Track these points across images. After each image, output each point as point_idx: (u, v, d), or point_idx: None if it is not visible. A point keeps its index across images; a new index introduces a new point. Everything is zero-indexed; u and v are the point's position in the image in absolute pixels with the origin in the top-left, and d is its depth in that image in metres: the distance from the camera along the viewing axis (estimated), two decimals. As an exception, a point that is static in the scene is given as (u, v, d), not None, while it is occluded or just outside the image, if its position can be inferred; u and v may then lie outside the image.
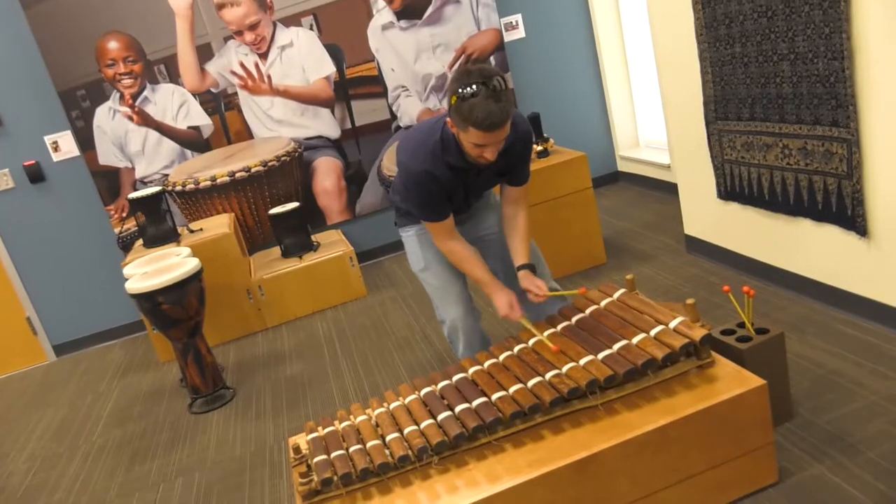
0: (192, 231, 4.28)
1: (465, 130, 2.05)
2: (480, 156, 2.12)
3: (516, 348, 2.30)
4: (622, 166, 5.41)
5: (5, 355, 4.65)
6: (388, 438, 2.02)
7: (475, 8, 4.79)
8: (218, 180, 4.65)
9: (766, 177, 3.00)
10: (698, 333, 2.03)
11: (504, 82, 2.03)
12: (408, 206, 2.45)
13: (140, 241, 4.30)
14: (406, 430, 2.03)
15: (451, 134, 2.18)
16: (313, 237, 4.65)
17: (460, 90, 2.00)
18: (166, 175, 4.60)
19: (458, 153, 2.21)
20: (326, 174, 4.85)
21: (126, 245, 4.60)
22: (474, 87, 1.98)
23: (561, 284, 2.71)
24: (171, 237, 4.14)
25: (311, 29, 4.62)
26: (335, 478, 1.92)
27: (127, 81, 4.43)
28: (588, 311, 2.35)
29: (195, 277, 3.30)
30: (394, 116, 4.88)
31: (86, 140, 4.46)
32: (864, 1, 2.32)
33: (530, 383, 2.06)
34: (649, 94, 5.02)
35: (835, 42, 2.45)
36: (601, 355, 2.08)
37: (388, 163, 4.92)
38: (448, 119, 2.15)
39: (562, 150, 3.93)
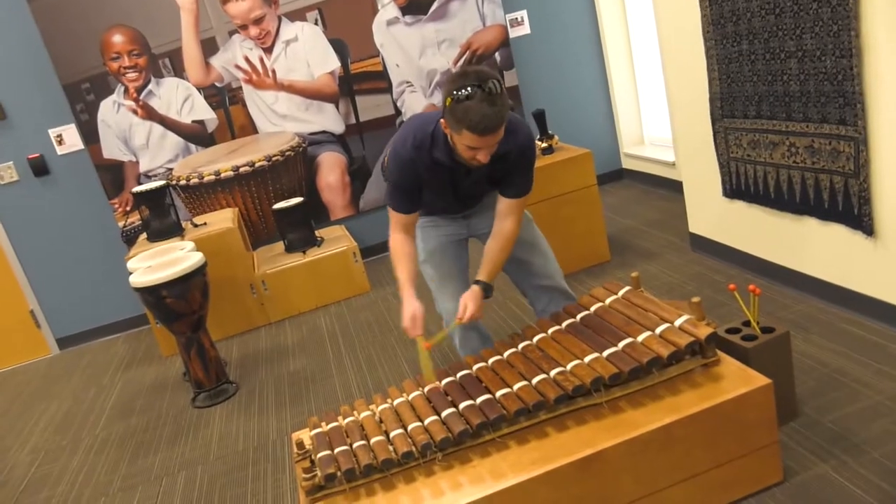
0: (195, 225, 4.28)
1: (459, 133, 2.03)
2: (473, 158, 2.10)
3: (521, 345, 2.29)
4: (627, 164, 5.39)
5: (9, 348, 4.66)
6: (391, 434, 2.01)
7: (480, 4, 4.77)
8: (222, 175, 4.64)
9: (772, 175, 2.99)
10: (704, 332, 2.02)
11: (500, 85, 1.99)
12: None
13: (144, 235, 4.31)
14: (410, 427, 2.02)
15: (443, 131, 2.16)
16: (317, 232, 4.65)
17: (455, 92, 1.98)
18: (170, 169, 4.60)
19: (446, 151, 2.19)
20: (330, 169, 4.85)
21: (130, 239, 4.60)
22: (469, 89, 1.96)
23: (566, 282, 2.69)
24: (175, 231, 4.14)
25: (316, 24, 4.61)
26: (338, 473, 1.92)
27: (131, 75, 4.42)
28: (593, 308, 2.34)
29: (199, 272, 3.30)
30: (398, 112, 4.87)
31: (90, 133, 4.46)
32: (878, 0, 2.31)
33: (535, 380, 2.06)
34: (655, 91, 5.01)
35: (843, 40, 2.44)
36: (606, 353, 2.07)
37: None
38: (442, 119, 2.12)
39: (566, 147, 3.92)
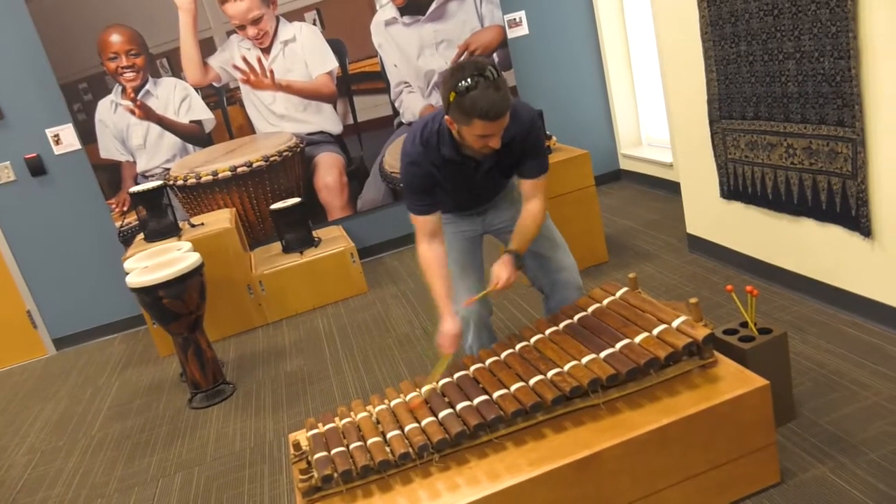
0: (193, 225, 4.27)
1: (470, 123, 2.03)
2: (485, 146, 2.11)
3: (518, 346, 2.29)
4: (624, 164, 5.40)
5: (5, 348, 4.64)
6: (388, 436, 2.01)
7: (479, 4, 4.77)
8: (219, 175, 4.64)
9: (769, 176, 2.99)
10: (701, 333, 2.02)
11: (497, 70, 2.02)
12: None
13: (141, 236, 4.30)
14: (407, 428, 2.02)
15: (448, 128, 2.17)
16: (314, 233, 4.64)
17: (457, 85, 1.99)
18: (168, 169, 4.59)
19: (453, 147, 2.20)
20: (328, 170, 4.84)
21: (127, 239, 4.59)
22: (470, 79, 1.97)
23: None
24: (173, 231, 4.13)
25: (314, 24, 4.60)
26: (335, 475, 1.91)
27: (129, 75, 4.42)
28: (590, 309, 2.34)
29: (196, 272, 3.30)
30: (396, 112, 4.87)
31: (87, 133, 4.45)
32: (871, 0, 2.31)
33: (532, 381, 2.06)
34: (652, 92, 5.01)
35: (841, 41, 2.44)
36: (603, 354, 2.07)
37: (391, 159, 4.91)
38: (447, 116, 2.12)
39: (564, 148, 3.92)
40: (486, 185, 2.42)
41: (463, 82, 1.98)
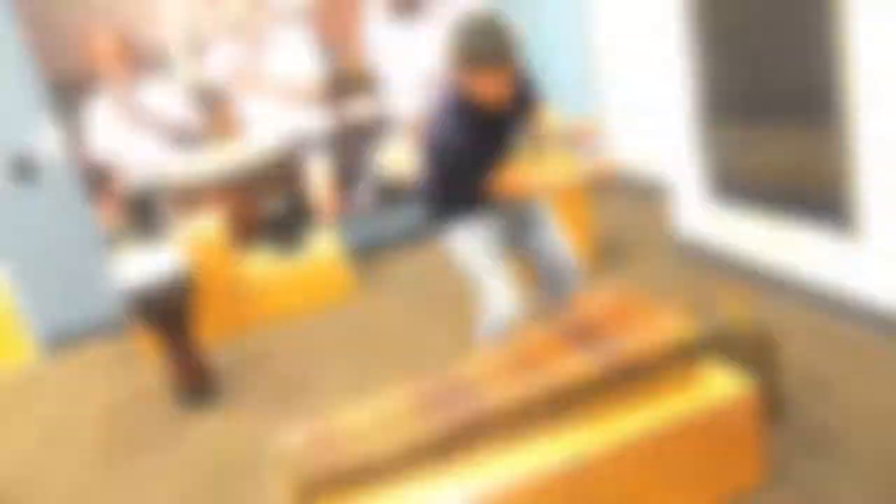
0: (182, 228, 4.26)
1: (481, 73, 2.08)
2: (498, 95, 2.14)
3: (506, 350, 2.29)
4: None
5: (-8, 352, 4.61)
6: (379, 439, 2.00)
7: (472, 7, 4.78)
8: (209, 177, 4.62)
9: (758, 176, 3.01)
10: (689, 334, 2.03)
11: (502, 19, 2.08)
12: (463, 185, 2.40)
13: (129, 238, 4.27)
14: (399, 430, 2.02)
15: (461, 98, 2.21)
16: (304, 236, 4.63)
17: (464, 37, 2.06)
18: (157, 170, 4.57)
19: (475, 112, 2.23)
20: (318, 173, 4.84)
21: (115, 241, 4.57)
22: (476, 31, 2.05)
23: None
24: (161, 234, 4.11)
25: (306, 25, 4.60)
26: (325, 479, 1.91)
27: (117, 74, 4.39)
28: (578, 311, 2.34)
29: (185, 275, 3.28)
30: (387, 115, 4.86)
31: (75, 134, 4.42)
32: (858, 1, 2.33)
33: (520, 385, 2.06)
34: (642, 92, 5.02)
35: (828, 41, 2.46)
36: (591, 357, 2.07)
37: (382, 160, 4.91)
38: (457, 74, 2.16)
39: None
40: (509, 139, 2.47)
41: (469, 34, 2.05)
